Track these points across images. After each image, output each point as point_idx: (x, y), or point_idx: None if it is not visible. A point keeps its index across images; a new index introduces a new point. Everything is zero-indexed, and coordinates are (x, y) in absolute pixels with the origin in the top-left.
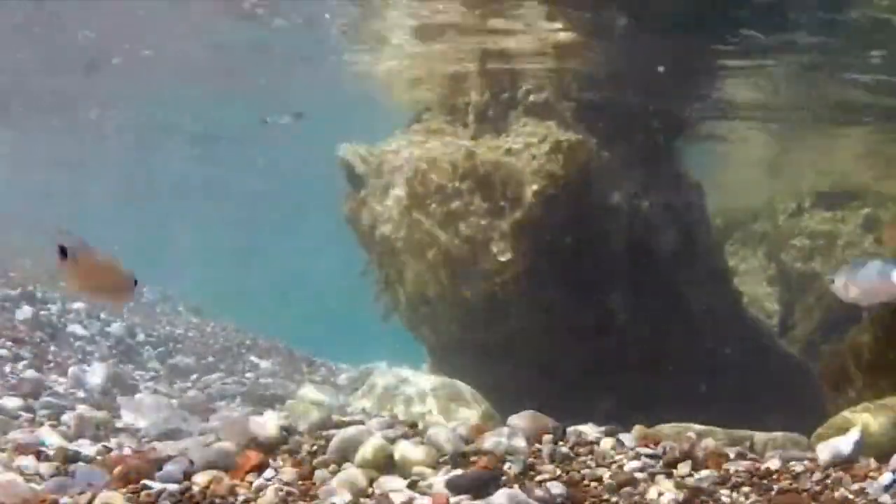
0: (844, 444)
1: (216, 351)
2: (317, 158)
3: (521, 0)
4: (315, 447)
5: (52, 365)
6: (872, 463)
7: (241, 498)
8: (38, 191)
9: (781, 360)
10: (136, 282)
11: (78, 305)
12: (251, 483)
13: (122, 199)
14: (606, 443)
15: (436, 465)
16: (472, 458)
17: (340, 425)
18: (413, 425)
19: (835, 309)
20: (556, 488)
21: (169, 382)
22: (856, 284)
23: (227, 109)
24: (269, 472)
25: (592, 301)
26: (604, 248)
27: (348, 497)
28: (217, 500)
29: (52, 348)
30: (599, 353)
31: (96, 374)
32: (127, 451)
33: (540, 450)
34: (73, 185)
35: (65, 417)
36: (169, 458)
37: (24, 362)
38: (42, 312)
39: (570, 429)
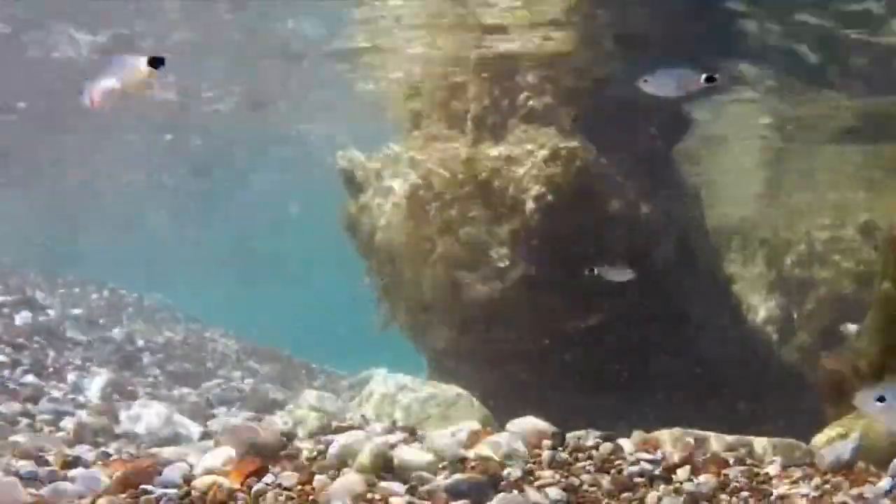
0: (844, 449)
1: (215, 357)
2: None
3: None
4: (314, 452)
5: (51, 371)
6: (872, 468)
7: (240, 503)
8: None
9: (780, 367)
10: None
11: (77, 311)
12: (250, 488)
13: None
14: (605, 448)
15: (435, 471)
16: (472, 464)
17: (339, 431)
18: (412, 431)
19: (834, 317)
20: (555, 493)
21: (168, 388)
22: None
23: None
24: (268, 478)
25: (591, 307)
26: (602, 255)
27: (348, 502)
28: None
29: (52, 354)
30: (598, 360)
31: (95, 380)
32: (126, 456)
33: (539, 455)
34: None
35: (64, 423)
36: (168, 464)
37: (24, 368)
38: (41, 318)
39: (570, 434)
